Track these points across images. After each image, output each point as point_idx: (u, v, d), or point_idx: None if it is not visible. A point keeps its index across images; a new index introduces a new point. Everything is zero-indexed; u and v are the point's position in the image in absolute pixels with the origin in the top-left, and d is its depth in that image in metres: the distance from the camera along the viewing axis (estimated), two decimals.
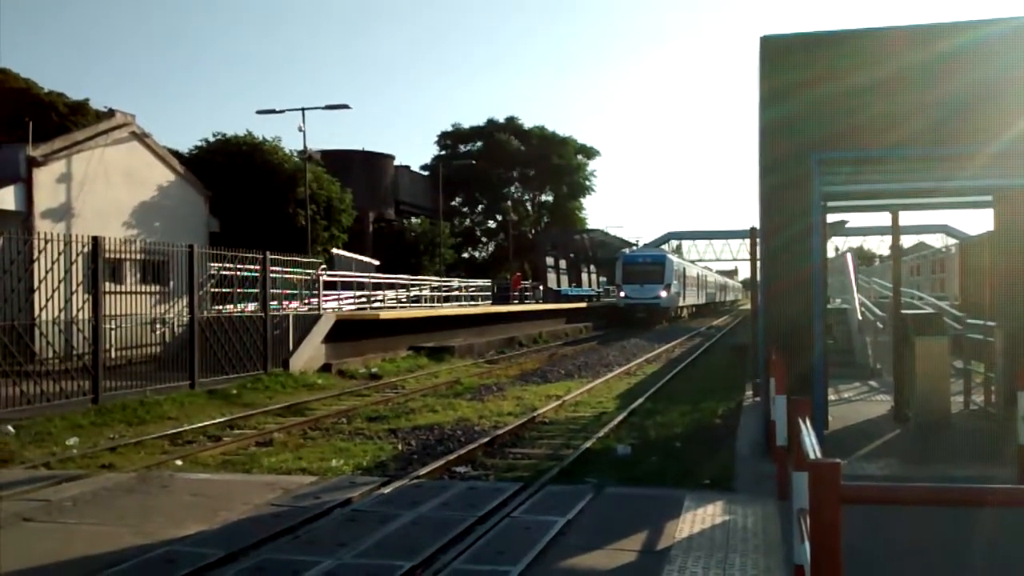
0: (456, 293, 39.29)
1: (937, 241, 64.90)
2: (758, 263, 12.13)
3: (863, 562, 5.65)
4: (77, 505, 8.10)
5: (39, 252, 14.23)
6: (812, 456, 3.22)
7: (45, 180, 21.98)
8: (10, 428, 12.41)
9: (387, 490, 8.65)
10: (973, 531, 6.12)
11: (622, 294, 50.77)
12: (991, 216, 12.31)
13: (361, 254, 40.70)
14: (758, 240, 11.70)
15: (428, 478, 9.56)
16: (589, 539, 6.69)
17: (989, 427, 10.86)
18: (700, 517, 7.29)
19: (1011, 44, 9.55)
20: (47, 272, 14.34)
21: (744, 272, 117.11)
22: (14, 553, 6.52)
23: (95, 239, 15.24)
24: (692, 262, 72.83)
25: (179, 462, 10.96)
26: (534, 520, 7.28)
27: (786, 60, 10.13)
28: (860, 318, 18.65)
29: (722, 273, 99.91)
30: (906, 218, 13.40)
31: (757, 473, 8.91)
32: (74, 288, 15.14)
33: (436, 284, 38.29)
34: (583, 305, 50.77)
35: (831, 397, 13.22)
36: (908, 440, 10.47)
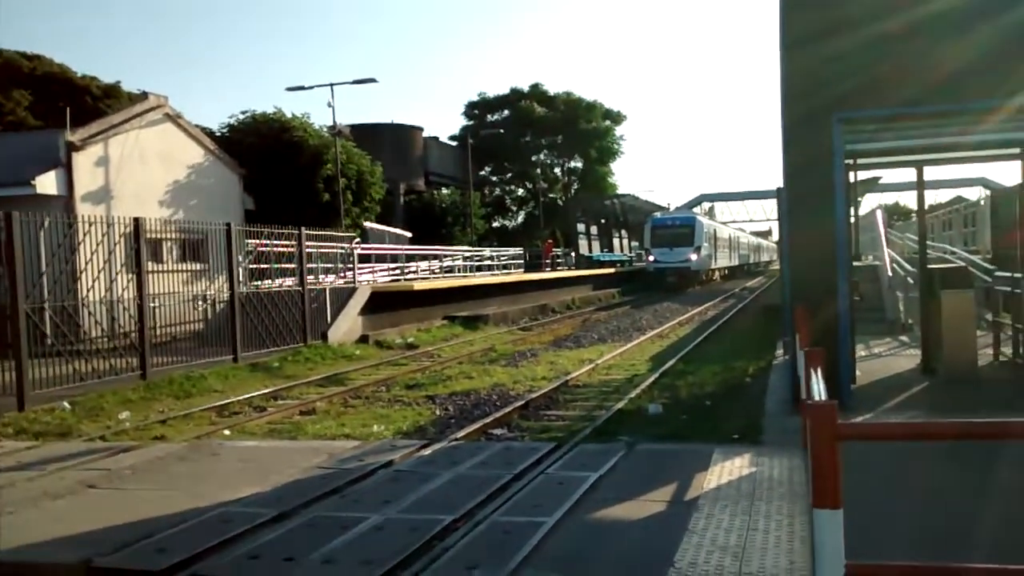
0: (488, 262, 39.60)
1: (976, 195, 63.96)
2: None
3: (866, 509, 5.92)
4: (135, 473, 8.56)
5: (84, 234, 14.72)
6: (816, 399, 3.48)
7: (84, 164, 22.49)
8: (66, 404, 12.99)
9: (427, 452, 9.01)
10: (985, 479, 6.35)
11: (651, 258, 50.27)
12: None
13: (393, 226, 41.14)
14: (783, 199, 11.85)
15: (466, 440, 9.92)
16: (620, 492, 7.00)
17: (1016, 377, 11.01)
18: (728, 469, 7.57)
19: None
20: (92, 253, 14.84)
21: (779, 232, 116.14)
22: (82, 516, 6.97)
23: (137, 220, 15.71)
24: (724, 223, 72.35)
25: (227, 432, 11.42)
26: (568, 476, 7.60)
27: (806, 16, 10.19)
28: (890, 274, 18.71)
29: (756, 234, 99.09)
30: (943, 172, 13.47)
31: (784, 427, 9.16)
32: (118, 268, 15.65)
33: (468, 254, 38.63)
34: (614, 271, 50.78)
35: (862, 353, 13.41)
36: (935, 392, 10.64)
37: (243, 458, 9.14)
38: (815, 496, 2.99)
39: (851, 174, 12.87)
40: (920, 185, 12.75)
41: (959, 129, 10.73)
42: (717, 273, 59.18)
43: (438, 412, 12.54)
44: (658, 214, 57.83)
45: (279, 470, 8.34)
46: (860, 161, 12.85)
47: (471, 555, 5.64)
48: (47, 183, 21.19)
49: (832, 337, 9.64)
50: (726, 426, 9.94)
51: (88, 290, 14.87)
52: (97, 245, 14.93)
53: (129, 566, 5.75)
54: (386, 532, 6.23)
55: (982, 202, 19.56)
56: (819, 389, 3.80)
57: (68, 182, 21.83)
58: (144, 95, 25.95)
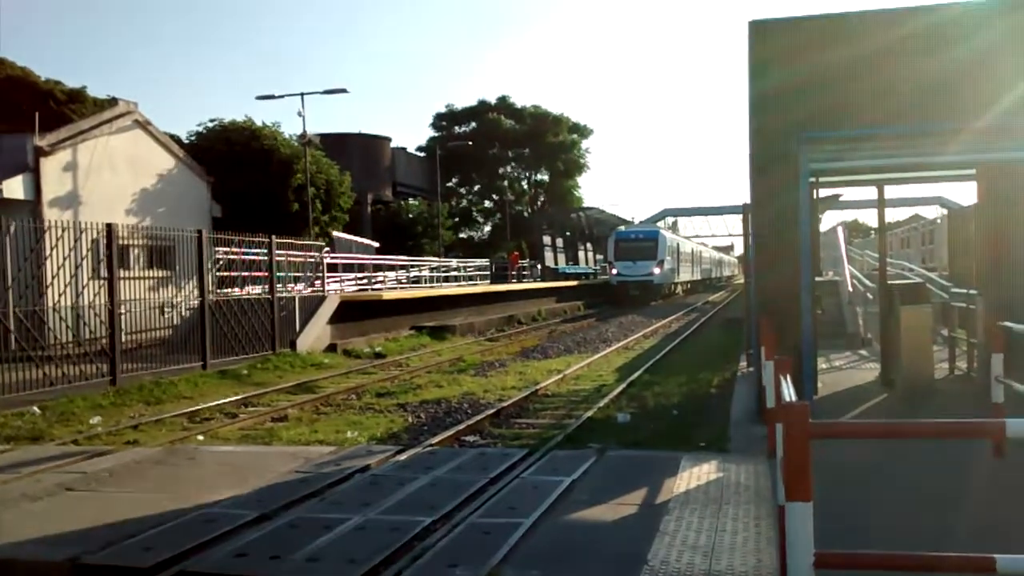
0: (455, 273, 39.79)
1: (932, 213, 65.28)
2: (750, 238, 12.65)
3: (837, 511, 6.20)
4: (113, 476, 8.63)
5: (57, 239, 14.69)
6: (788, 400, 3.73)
7: (52, 169, 22.37)
8: (35, 408, 12.95)
9: (402, 457, 9.19)
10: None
11: (614, 271, 50.51)
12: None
13: (360, 236, 41.18)
14: (750, 215, 12.22)
15: (440, 446, 10.11)
16: (593, 495, 7.24)
17: (970, 390, 11.41)
18: (696, 475, 7.84)
19: (991, 21, 10.04)
20: (65, 259, 14.81)
21: (740, 247, 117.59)
22: (63, 517, 7.06)
23: (109, 226, 15.69)
24: (687, 238, 73.13)
25: (200, 437, 11.49)
26: (542, 480, 7.83)
27: (773, 43, 10.61)
28: (851, 289, 19.20)
29: (718, 249, 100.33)
30: (901, 191, 13.99)
31: (750, 436, 9.47)
32: (88, 274, 15.62)
33: (435, 264, 38.80)
34: (578, 283, 51.08)
35: (823, 366, 13.79)
36: (893, 404, 11.01)
37: (220, 462, 9.25)
38: (788, 490, 3.23)
39: (813, 192, 13.27)
40: (881, 203, 13.17)
41: (919, 150, 11.14)
42: (680, 287, 59.77)
43: (410, 419, 12.70)
44: (622, 228, 58.25)
45: (257, 474, 8.47)
46: (822, 179, 13.23)
47: (452, 554, 5.83)
48: (15, 187, 21.07)
49: (796, 350, 9.99)
50: (693, 434, 10.23)
51: (60, 295, 14.83)
52: (70, 251, 14.91)
53: (117, 563, 5.87)
54: (368, 532, 6.41)
55: (939, 221, 20.15)
56: (789, 393, 4.06)
57: (36, 187, 21.72)
58: (113, 101, 25.88)
